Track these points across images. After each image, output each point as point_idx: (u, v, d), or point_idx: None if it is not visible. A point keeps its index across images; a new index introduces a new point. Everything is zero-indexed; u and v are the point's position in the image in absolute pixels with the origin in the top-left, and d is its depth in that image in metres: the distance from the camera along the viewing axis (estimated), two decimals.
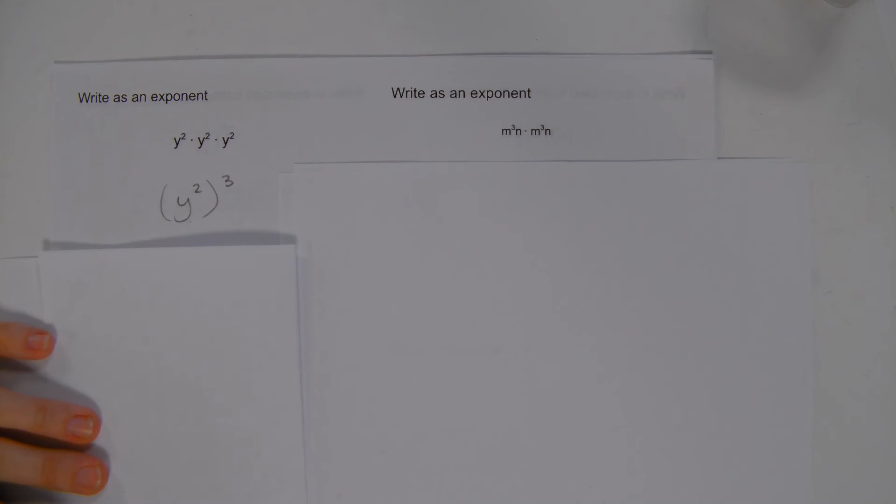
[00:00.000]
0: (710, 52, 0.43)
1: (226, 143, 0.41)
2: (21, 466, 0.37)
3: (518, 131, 0.42)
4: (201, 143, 0.41)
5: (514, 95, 0.42)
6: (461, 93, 0.42)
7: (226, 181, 0.41)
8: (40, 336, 0.39)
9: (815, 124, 0.43)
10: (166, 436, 0.40)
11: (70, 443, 0.39)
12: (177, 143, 0.41)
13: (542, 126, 0.42)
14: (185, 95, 0.42)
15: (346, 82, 0.42)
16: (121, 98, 0.41)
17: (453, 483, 0.40)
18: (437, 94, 0.42)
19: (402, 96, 0.42)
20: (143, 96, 0.41)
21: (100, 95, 0.41)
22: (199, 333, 0.40)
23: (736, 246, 0.42)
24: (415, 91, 0.42)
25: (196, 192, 0.41)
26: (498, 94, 0.42)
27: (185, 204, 0.41)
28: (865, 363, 0.42)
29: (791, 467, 0.41)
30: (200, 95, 0.42)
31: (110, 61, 0.42)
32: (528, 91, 0.42)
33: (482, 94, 0.42)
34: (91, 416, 0.39)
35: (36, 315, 0.40)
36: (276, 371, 0.40)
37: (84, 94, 0.41)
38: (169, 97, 0.42)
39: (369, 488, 0.40)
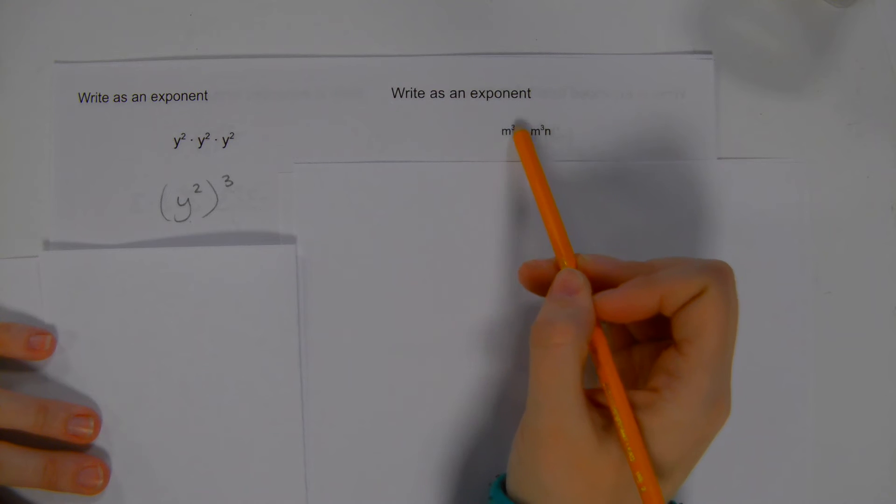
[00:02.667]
0: (710, 52, 0.43)
1: (226, 143, 0.41)
2: (23, 470, 0.38)
3: None
4: (201, 143, 0.41)
5: (514, 95, 0.42)
6: (461, 93, 0.42)
7: (226, 181, 0.41)
8: (42, 336, 0.39)
9: (815, 124, 0.43)
10: (166, 436, 0.40)
11: (71, 442, 0.39)
12: (177, 143, 0.41)
13: (542, 126, 0.42)
14: (185, 95, 0.41)
15: (346, 82, 0.42)
16: (121, 98, 0.41)
17: (456, 482, 0.40)
18: (437, 94, 0.42)
19: (402, 96, 0.42)
20: (143, 96, 0.41)
21: (100, 95, 0.41)
22: (199, 333, 0.40)
23: (736, 246, 0.42)
24: (415, 91, 0.42)
25: (196, 192, 0.41)
26: (498, 94, 0.42)
27: (185, 204, 0.41)
28: (865, 363, 0.42)
29: (791, 467, 0.41)
30: (200, 95, 0.42)
31: (110, 61, 0.42)
32: (528, 91, 0.42)
33: (482, 94, 0.42)
34: (91, 416, 0.39)
35: (36, 315, 0.40)
36: (277, 371, 0.40)
37: (84, 94, 0.41)
38: (169, 97, 0.41)
39: (369, 488, 0.40)
